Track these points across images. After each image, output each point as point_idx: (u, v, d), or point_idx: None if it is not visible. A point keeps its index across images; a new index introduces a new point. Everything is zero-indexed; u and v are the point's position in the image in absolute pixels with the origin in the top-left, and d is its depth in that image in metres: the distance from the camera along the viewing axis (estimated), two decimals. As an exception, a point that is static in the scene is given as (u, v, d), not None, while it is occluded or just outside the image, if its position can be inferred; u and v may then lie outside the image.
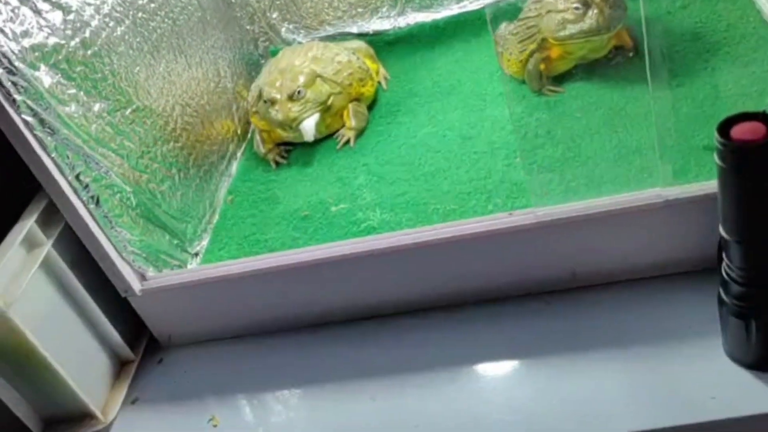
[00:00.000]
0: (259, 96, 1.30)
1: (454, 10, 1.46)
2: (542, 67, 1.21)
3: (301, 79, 1.26)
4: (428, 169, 1.18)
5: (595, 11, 1.12)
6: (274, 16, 1.52)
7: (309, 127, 1.26)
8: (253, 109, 1.33)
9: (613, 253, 0.91)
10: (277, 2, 1.50)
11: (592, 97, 1.19)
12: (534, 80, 1.22)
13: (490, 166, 1.13)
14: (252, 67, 1.50)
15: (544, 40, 1.18)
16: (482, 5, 1.45)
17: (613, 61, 1.21)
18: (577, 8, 1.13)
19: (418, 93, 1.38)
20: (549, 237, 0.90)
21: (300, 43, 1.52)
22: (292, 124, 1.25)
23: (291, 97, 1.25)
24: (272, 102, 1.26)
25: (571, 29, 1.14)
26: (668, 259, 0.91)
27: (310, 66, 1.30)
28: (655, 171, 0.93)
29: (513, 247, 0.92)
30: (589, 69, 1.22)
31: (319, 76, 1.29)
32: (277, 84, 1.28)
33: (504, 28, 1.32)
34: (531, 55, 1.21)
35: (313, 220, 1.17)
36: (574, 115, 1.17)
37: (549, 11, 1.16)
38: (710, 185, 0.83)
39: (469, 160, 1.16)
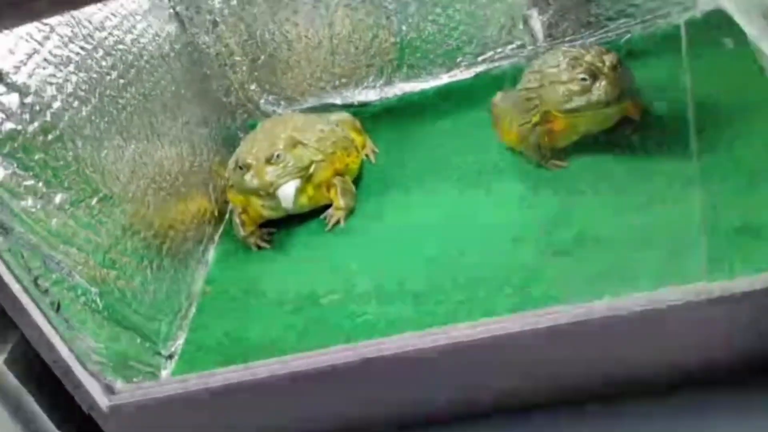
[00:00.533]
0: (235, 166, 1.19)
1: (443, 79, 1.38)
2: (544, 140, 1.13)
3: (280, 144, 1.17)
4: (428, 253, 1.07)
5: (603, 82, 1.04)
6: (253, 87, 1.43)
7: (287, 193, 1.15)
8: (230, 183, 1.23)
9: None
10: (256, 74, 1.42)
11: (599, 171, 1.10)
12: (536, 153, 1.14)
13: (497, 249, 1.04)
14: (230, 142, 1.40)
15: (546, 112, 1.11)
16: (473, 74, 1.38)
17: (620, 132, 1.14)
18: (583, 79, 1.05)
19: (409, 167, 1.29)
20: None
21: (280, 114, 1.43)
22: (269, 188, 1.14)
23: (268, 161, 1.15)
24: (247, 167, 1.15)
25: (578, 102, 1.06)
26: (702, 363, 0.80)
27: (290, 133, 1.20)
28: (685, 260, 0.84)
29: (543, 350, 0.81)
30: (594, 141, 1.14)
31: (300, 142, 1.19)
32: (254, 150, 1.17)
33: (501, 97, 1.24)
34: (533, 127, 1.13)
35: (302, 314, 1.05)
36: (581, 191, 1.08)
37: (552, 82, 1.09)
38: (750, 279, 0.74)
39: (474, 244, 1.06)
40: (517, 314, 0.83)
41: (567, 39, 1.30)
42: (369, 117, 1.43)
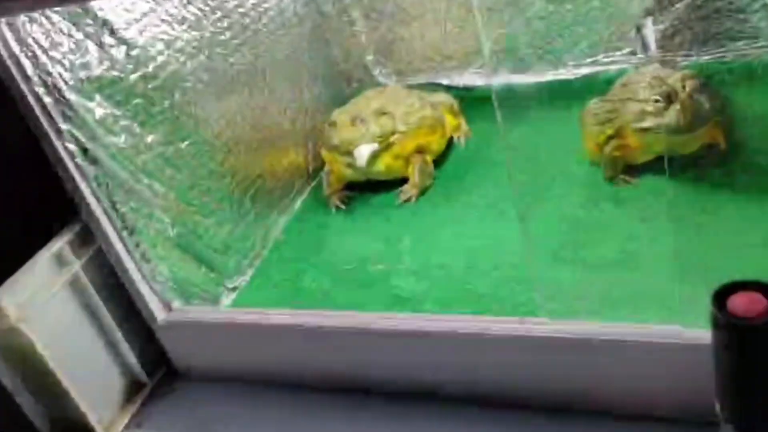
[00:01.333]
0: (327, 127, 1.30)
1: (547, 76, 1.38)
2: (619, 154, 1.13)
3: (368, 110, 1.26)
4: (476, 243, 1.13)
5: (678, 107, 1.02)
6: (369, 58, 1.52)
7: (362, 154, 1.24)
8: (322, 140, 1.34)
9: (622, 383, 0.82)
10: (373, 45, 1.50)
11: (667, 197, 1.08)
12: (609, 167, 1.14)
13: (537, 254, 1.06)
14: (339, 106, 1.50)
15: (622, 127, 1.10)
16: (578, 75, 1.37)
17: (701, 160, 1.10)
18: (657, 101, 1.03)
19: (492, 159, 1.32)
20: (557, 353, 0.83)
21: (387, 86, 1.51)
22: (348, 147, 1.24)
23: (352, 122, 1.25)
24: (333, 125, 1.26)
25: (649, 122, 1.05)
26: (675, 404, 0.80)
27: (382, 102, 1.29)
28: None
29: (515, 354, 0.85)
30: (671, 164, 1.12)
31: (387, 112, 1.27)
32: (346, 110, 1.29)
33: (592, 105, 1.24)
34: (608, 140, 1.13)
35: (352, 275, 1.15)
36: (641, 214, 1.08)
37: (630, 98, 1.08)
38: None
39: (518, 243, 1.09)
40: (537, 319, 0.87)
41: (680, 53, 1.25)
42: (472, 101, 1.47)
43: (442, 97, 1.41)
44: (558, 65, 1.37)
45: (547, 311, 0.94)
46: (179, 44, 1.07)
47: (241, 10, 1.21)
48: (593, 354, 0.81)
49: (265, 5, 1.28)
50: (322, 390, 1.03)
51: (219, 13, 1.16)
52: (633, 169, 1.14)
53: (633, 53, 1.30)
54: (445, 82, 1.48)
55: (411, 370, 0.95)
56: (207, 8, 1.13)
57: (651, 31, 1.27)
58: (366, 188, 1.34)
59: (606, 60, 1.33)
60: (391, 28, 1.47)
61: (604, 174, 1.15)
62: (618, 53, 1.32)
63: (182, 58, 1.08)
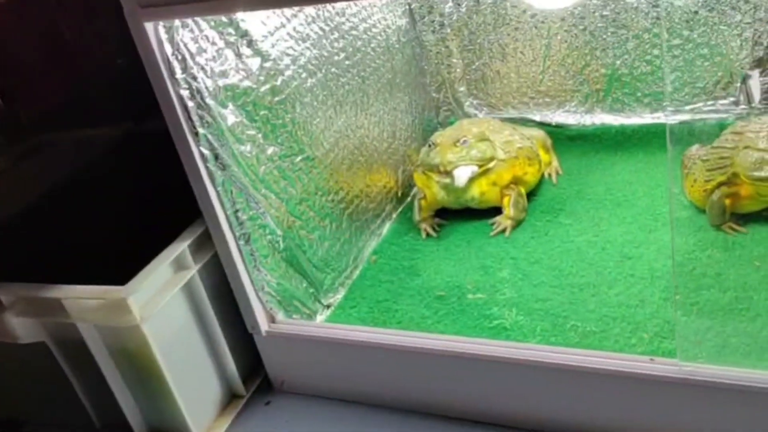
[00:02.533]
0: (426, 145, 1.30)
1: (645, 118, 1.40)
2: (727, 202, 1.12)
3: (470, 134, 1.27)
4: (578, 280, 1.12)
5: (800, 159, 1.02)
6: (461, 89, 1.54)
7: (463, 174, 1.24)
8: (418, 162, 1.34)
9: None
10: (467, 77, 1.52)
11: (778, 246, 1.08)
12: (716, 214, 1.13)
13: (645, 295, 1.06)
14: (428, 134, 1.51)
15: (735, 175, 1.09)
16: (677, 120, 1.37)
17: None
18: (780, 151, 1.03)
19: (588, 196, 1.32)
20: (690, 397, 0.82)
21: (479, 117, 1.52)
22: (447, 166, 1.24)
23: (455, 143, 1.25)
24: (435, 145, 1.27)
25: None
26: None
27: (481, 128, 1.30)
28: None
29: (642, 397, 0.84)
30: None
31: (487, 139, 1.28)
32: (446, 134, 1.29)
33: (695, 150, 1.24)
34: (717, 186, 1.12)
35: (447, 302, 1.14)
36: (752, 262, 1.07)
37: (747, 146, 1.08)
38: None
39: (624, 283, 1.09)
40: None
41: (785, 106, 1.26)
42: (563, 139, 1.47)
43: (536, 132, 1.42)
44: (657, 109, 1.38)
45: (664, 352, 0.93)
46: (302, 60, 1.09)
47: (354, 32, 1.24)
48: (729, 399, 0.80)
49: (375, 30, 1.30)
50: (418, 414, 1.03)
51: (336, 34, 1.18)
52: (740, 218, 1.13)
53: (735, 104, 1.31)
54: (536, 118, 1.49)
55: (522, 402, 0.94)
56: (327, 28, 1.15)
57: (758, 82, 1.28)
58: (455, 217, 1.35)
59: (706, 108, 1.34)
60: (488, 61, 1.49)
61: (710, 220, 1.14)
62: (720, 102, 1.32)
63: (304, 75, 1.10)
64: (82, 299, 0.90)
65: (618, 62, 1.37)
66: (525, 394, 0.93)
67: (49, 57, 1.42)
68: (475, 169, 1.25)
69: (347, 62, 1.22)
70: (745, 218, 1.13)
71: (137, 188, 1.19)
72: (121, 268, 0.96)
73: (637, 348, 0.96)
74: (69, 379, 1.04)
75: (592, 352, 0.88)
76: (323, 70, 1.15)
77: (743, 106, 1.29)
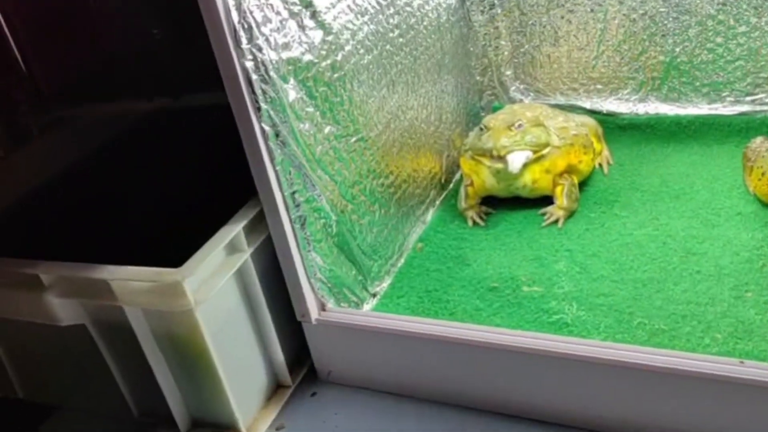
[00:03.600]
0: (478, 129, 1.24)
1: (703, 109, 1.34)
2: (798, 196, 1.07)
3: (524, 119, 1.20)
4: (640, 275, 1.07)
5: None
6: (508, 73, 1.48)
7: (517, 159, 1.18)
8: (466, 147, 1.28)
9: None
10: (515, 60, 1.46)
11: None
12: (784, 209, 1.08)
13: (714, 293, 1.01)
14: (471, 119, 1.46)
15: (808, 169, 1.05)
16: (736, 111, 1.32)
17: None
18: None
19: (642, 188, 1.27)
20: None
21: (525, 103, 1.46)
22: (501, 151, 1.18)
23: (509, 127, 1.19)
24: (487, 128, 1.20)
25: None
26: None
27: (537, 114, 1.24)
28: None
29: (731, 401, 0.79)
30: None
31: (543, 124, 1.22)
32: (499, 117, 1.23)
33: (760, 142, 1.19)
34: (788, 181, 1.08)
35: (501, 294, 1.09)
36: (826, 261, 1.02)
37: (824, 141, 1.03)
38: None
39: (690, 279, 1.04)
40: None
41: None
42: (613, 128, 1.42)
43: (587, 120, 1.36)
44: (715, 100, 1.33)
45: (741, 354, 0.89)
46: (360, 36, 1.04)
47: (408, 9, 1.18)
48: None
49: (427, 7, 1.24)
50: (473, 410, 0.98)
51: (392, 9, 1.12)
52: (809, 214, 1.08)
53: (800, 96, 1.26)
54: (587, 105, 1.44)
55: (589, 402, 0.90)
56: (384, 2, 1.10)
57: (824, 75, 1.22)
58: (502, 206, 1.30)
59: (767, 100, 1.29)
60: (538, 44, 1.43)
61: (778, 216, 1.10)
62: (785, 94, 1.27)
63: (362, 51, 1.04)
64: (132, 281, 0.84)
65: (678, 49, 1.31)
66: (592, 393, 0.89)
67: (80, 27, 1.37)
68: (530, 154, 1.20)
69: (401, 39, 1.16)
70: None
71: (178, 167, 1.14)
72: (161, 250, 0.91)
73: (711, 348, 0.91)
74: (107, 364, 0.99)
75: (680, 353, 0.83)
76: (379, 47, 1.09)
77: (807, 99, 1.24)
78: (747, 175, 1.19)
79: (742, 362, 0.79)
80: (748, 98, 1.30)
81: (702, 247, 1.10)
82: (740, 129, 1.31)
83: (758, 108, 1.30)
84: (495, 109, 1.45)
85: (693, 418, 0.83)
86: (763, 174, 1.13)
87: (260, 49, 0.83)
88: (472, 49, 1.45)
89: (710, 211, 1.18)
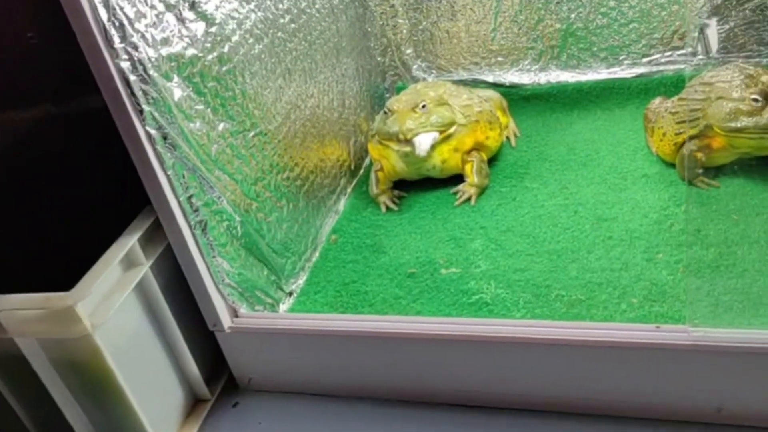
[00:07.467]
0: (382, 113, 1.22)
1: (602, 74, 1.35)
2: (698, 155, 1.09)
3: (428, 99, 1.18)
4: (554, 246, 1.07)
5: (777, 107, 0.99)
6: (408, 51, 1.45)
7: (424, 141, 1.16)
8: (373, 132, 1.25)
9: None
10: (414, 38, 1.43)
11: (752, 198, 1.05)
12: (687, 168, 1.10)
13: (627, 258, 1.01)
14: (376, 101, 1.43)
15: (707, 127, 1.06)
16: (634, 74, 1.34)
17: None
18: (755, 100, 1.00)
19: (550, 158, 1.27)
20: (698, 363, 0.78)
21: (429, 81, 1.44)
22: (407, 134, 1.15)
23: (413, 109, 1.17)
24: (392, 111, 1.18)
25: (745, 122, 1.01)
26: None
27: (440, 93, 1.22)
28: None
29: (650, 366, 0.80)
30: (751, 165, 1.09)
31: (447, 103, 1.20)
32: (402, 99, 1.20)
33: (659, 103, 1.21)
34: (688, 140, 1.09)
35: (419, 279, 1.07)
36: (730, 217, 1.04)
37: (720, 97, 1.04)
38: None
39: (603, 246, 1.04)
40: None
41: (743, 54, 1.23)
42: (517, 100, 1.42)
43: (491, 94, 1.35)
44: (613, 64, 1.34)
45: (657, 317, 0.89)
46: (248, 24, 0.98)
47: (298, -8, 1.13)
48: (745, 363, 0.76)
49: (318, -11, 1.19)
50: (401, 403, 0.96)
51: (280, -6, 1.07)
52: (711, 171, 1.10)
53: (693, 54, 1.28)
54: (489, 79, 1.43)
55: (514, 382, 0.89)
56: (270, -13, 1.04)
57: (715, 31, 1.25)
58: (414, 188, 1.27)
59: (664, 60, 1.31)
60: (435, 21, 1.40)
61: (682, 175, 1.11)
62: (677, 53, 1.29)
63: (251, 40, 0.98)
64: (19, 310, 0.77)
65: (573, 16, 1.31)
66: (517, 373, 0.88)
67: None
68: (437, 135, 1.17)
69: (293, 25, 1.11)
70: (716, 171, 1.11)
71: (65, 178, 1.06)
72: (55, 271, 0.84)
73: (628, 314, 0.92)
74: (5, 397, 0.91)
75: (597, 324, 0.83)
76: (270, 35, 1.04)
77: (701, 57, 1.26)
78: (649, 136, 1.21)
79: (657, 327, 0.80)
80: (645, 60, 1.32)
81: (612, 212, 1.11)
82: (639, 91, 1.33)
83: (654, 69, 1.32)
84: (399, 90, 1.42)
85: (618, 384, 0.83)
86: (664, 134, 1.14)
87: (136, 47, 0.77)
88: (369, 29, 1.41)
89: (617, 175, 1.18)
